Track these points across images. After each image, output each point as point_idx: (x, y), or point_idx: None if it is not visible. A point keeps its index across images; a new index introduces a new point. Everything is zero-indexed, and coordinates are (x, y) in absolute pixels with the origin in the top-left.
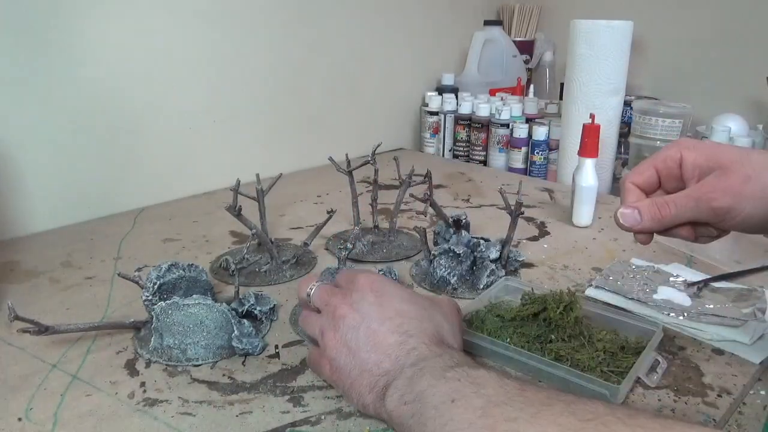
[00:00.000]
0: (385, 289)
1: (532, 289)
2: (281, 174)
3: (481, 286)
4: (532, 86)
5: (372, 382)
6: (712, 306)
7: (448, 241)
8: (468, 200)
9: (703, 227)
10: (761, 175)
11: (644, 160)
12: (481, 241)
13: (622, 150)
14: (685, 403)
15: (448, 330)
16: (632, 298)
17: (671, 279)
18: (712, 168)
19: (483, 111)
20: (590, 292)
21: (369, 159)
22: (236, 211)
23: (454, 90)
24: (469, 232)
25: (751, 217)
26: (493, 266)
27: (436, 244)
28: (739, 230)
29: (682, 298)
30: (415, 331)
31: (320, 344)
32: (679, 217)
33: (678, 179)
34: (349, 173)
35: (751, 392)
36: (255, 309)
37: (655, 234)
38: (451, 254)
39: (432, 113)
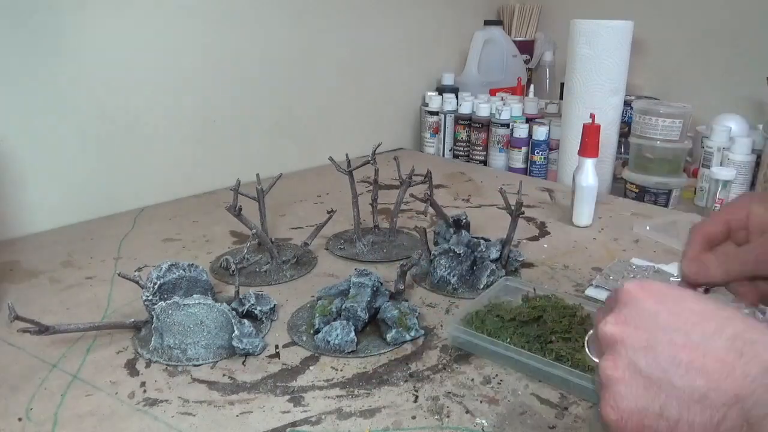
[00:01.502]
0: (664, 291)
1: (534, 289)
2: (281, 174)
3: (481, 286)
4: (532, 86)
5: (711, 419)
6: None
7: (448, 241)
8: (468, 200)
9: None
10: None
11: (715, 213)
12: (481, 241)
13: (622, 150)
14: None
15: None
16: None
17: (671, 279)
18: None
19: (483, 111)
20: (590, 292)
21: (369, 159)
22: (236, 211)
23: (454, 90)
24: (469, 232)
25: None
26: (493, 266)
27: (436, 244)
28: None
29: None
30: (753, 334)
31: (603, 390)
32: (742, 273)
33: (746, 231)
34: (349, 173)
35: None
36: (255, 309)
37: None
38: (451, 254)
39: (432, 113)
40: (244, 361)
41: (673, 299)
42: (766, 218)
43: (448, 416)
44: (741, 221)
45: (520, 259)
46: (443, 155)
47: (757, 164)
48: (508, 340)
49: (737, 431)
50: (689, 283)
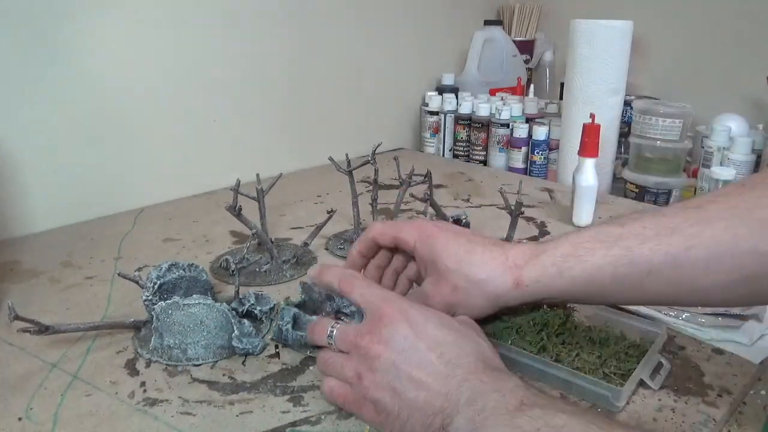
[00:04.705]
0: (416, 317)
1: None
2: (281, 174)
3: None
4: (532, 86)
5: (426, 422)
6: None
7: None
8: (468, 200)
9: None
10: (467, 285)
11: (394, 223)
12: None
13: (622, 150)
14: (685, 403)
15: (486, 347)
16: None
17: None
18: (432, 268)
19: (483, 111)
20: None
21: (369, 159)
22: (236, 211)
23: (454, 90)
24: None
25: (466, 314)
26: None
27: None
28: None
29: None
30: (458, 360)
31: (357, 388)
32: None
33: (411, 254)
34: (349, 173)
35: (751, 392)
36: (255, 309)
37: None
38: None
39: (432, 113)
40: (244, 361)
41: (420, 324)
42: (426, 258)
43: None
44: (407, 248)
45: None
46: (443, 155)
47: (757, 164)
48: (510, 341)
49: (438, 430)
50: None
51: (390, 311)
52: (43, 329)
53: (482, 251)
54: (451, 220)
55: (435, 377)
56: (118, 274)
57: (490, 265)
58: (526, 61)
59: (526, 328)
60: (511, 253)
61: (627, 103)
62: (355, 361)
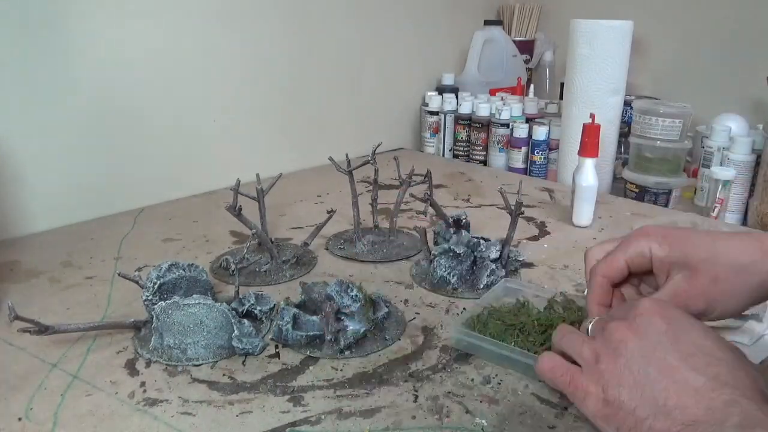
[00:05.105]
0: (678, 318)
1: (562, 293)
2: (281, 174)
3: (482, 286)
4: (532, 86)
5: (668, 429)
6: None
7: (448, 240)
8: (468, 200)
9: None
10: (729, 274)
11: (614, 250)
12: (481, 241)
13: (622, 150)
14: None
15: (761, 379)
16: None
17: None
18: (681, 265)
19: (483, 111)
20: None
21: (369, 159)
22: (236, 211)
23: (454, 90)
24: (469, 232)
25: (726, 312)
26: (493, 266)
27: (436, 243)
28: (716, 320)
29: None
30: (730, 379)
31: (589, 370)
32: None
33: (647, 270)
34: (349, 173)
35: None
36: (255, 309)
37: None
38: (451, 254)
39: (432, 113)
40: (244, 361)
41: (682, 326)
42: (669, 258)
43: (447, 416)
44: (641, 264)
45: (520, 259)
46: (443, 155)
47: (757, 164)
48: (513, 343)
49: None
50: None
51: (647, 303)
52: (43, 329)
53: (727, 237)
54: (451, 220)
55: (695, 385)
56: (118, 274)
57: (749, 250)
58: (526, 61)
59: (530, 329)
60: (762, 237)
61: (627, 103)
62: (598, 342)
